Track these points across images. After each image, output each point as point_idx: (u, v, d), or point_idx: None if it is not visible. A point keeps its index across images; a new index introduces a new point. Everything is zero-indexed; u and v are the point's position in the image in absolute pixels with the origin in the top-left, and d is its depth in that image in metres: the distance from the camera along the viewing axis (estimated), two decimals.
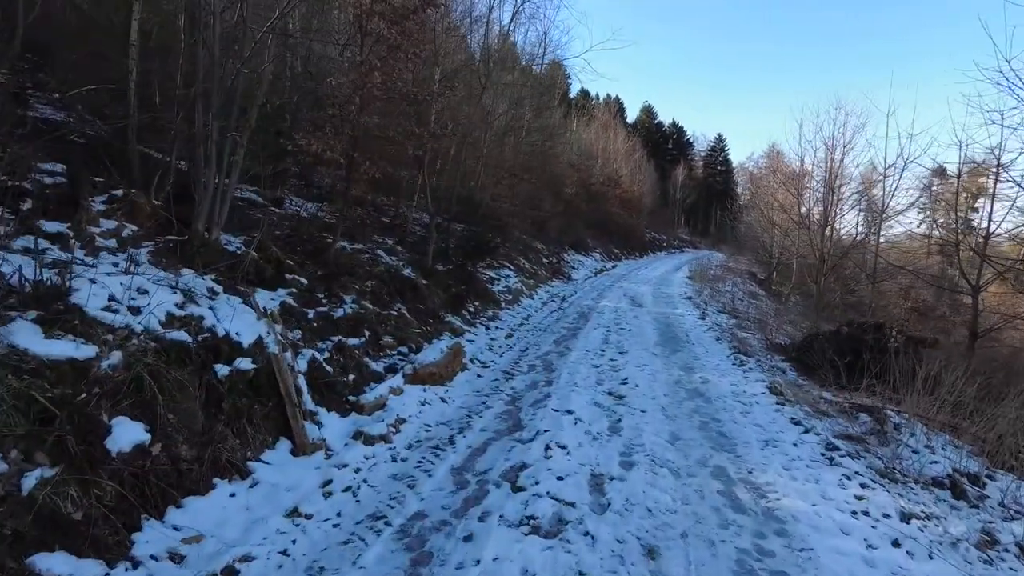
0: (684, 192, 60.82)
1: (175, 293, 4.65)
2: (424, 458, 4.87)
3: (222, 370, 4.39)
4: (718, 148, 69.38)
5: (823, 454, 5.61)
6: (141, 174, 7.02)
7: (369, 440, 4.94)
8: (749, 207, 35.45)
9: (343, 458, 4.59)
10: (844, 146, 19.07)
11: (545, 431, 5.50)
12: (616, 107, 54.12)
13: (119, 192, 5.91)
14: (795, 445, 5.80)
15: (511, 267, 15.64)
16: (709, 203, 64.63)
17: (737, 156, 75.98)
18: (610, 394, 7.01)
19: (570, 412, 6.09)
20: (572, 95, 51.32)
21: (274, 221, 9.68)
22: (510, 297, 13.28)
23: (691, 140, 70.81)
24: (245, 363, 4.61)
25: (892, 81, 28.85)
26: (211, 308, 4.94)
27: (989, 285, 13.10)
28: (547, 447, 5.10)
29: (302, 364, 5.35)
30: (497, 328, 10.67)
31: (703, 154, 70.39)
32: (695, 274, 24.68)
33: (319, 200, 11.59)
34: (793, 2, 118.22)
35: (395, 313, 8.20)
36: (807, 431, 6.22)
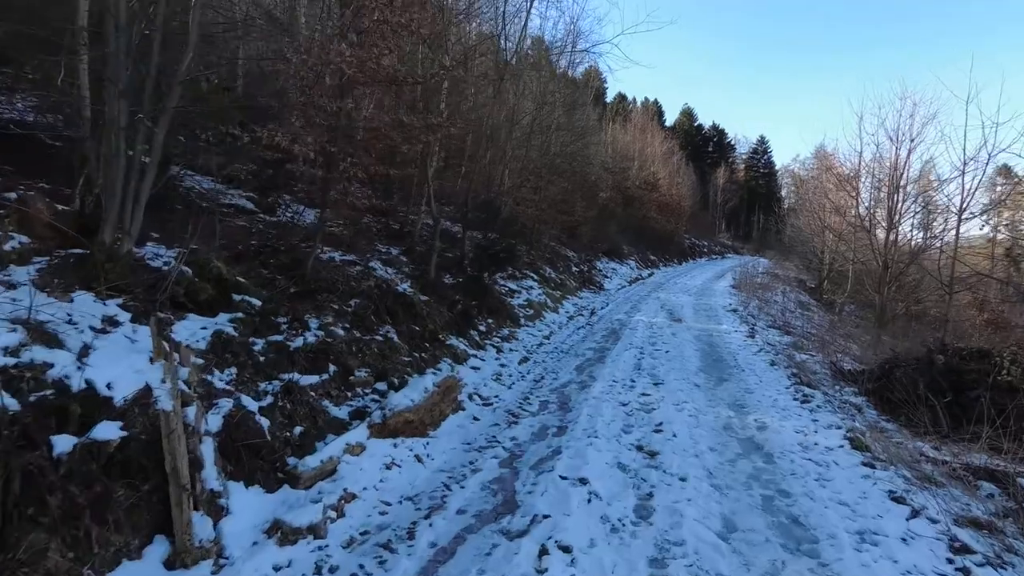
0: (725, 196, 57.89)
1: (14, 331, 3.27)
2: (363, 567, 3.33)
3: (63, 444, 2.98)
4: (760, 150, 65.91)
5: (950, 560, 3.79)
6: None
7: (290, 536, 3.44)
8: (797, 210, 32.82)
9: (238, 573, 3.10)
10: (911, 140, 16.71)
11: (544, 517, 3.88)
12: (654, 110, 51.94)
13: (12, 195, 4.65)
14: (904, 541, 3.99)
15: (535, 277, 14.05)
16: (751, 207, 61.43)
17: (781, 158, 71.78)
18: (639, 449, 5.32)
19: (583, 482, 4.45)
20: (608, 99, 49.45)
21: (260, 229, 8.44)
22: (531, 312, 11.69)
23: (732, 143, 67.55)
24: (108, 429, 3.20)
25: (973, 58, 25.33)
26: (84, 347, 3.56)
27: None
28: (543, 549, 3.48)
29: (215, 422, 3.90)
30: (511, 351, 9.09)
31: (745, 157, 67.00)
32: (739, 283, 22.48)
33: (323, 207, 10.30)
34: None
35: (380, 338, 6.73)
36: (916, 514, 4.38)
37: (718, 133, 66.24)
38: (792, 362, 9.82)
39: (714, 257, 42.01)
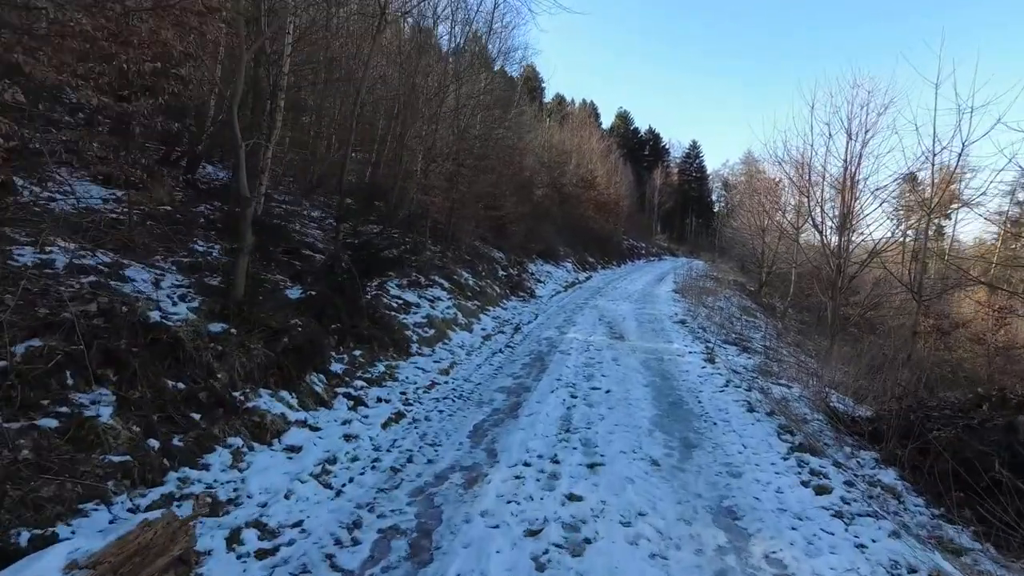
0: (661, 198, 56.62)
1: None
2: None
3: None
4: (693, 155, 65.22)
5: None
6: None
7: None
8: (735, 211, 31.15)
9: None
10: (867, 130, 14.62)
11: None
12: (591, 110, 49.83)
13: None
14: None
15: (446, 285, 10.78)
16: (685, 210, 60.75)
17: (712, 163, 71.30)
18: None
19: None
20: (547, 99, 46.70)
21: None
22: (430, 333, 8.41)
23: (667, 147, 66.55)
24: None
25: (944, 37, 22.53)
26: None
27: None
28: None
29: None
30: (378, 402, 5.79)
31: (678, 161, 66.23)
32: (682, 288, 20.05)
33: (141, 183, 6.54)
34: None
35: (56, 423, 3.28)
36: None
37: (653, 137, 65.10)
38: (770, 401, 7.05)
39: (652, 259, 40.08)
